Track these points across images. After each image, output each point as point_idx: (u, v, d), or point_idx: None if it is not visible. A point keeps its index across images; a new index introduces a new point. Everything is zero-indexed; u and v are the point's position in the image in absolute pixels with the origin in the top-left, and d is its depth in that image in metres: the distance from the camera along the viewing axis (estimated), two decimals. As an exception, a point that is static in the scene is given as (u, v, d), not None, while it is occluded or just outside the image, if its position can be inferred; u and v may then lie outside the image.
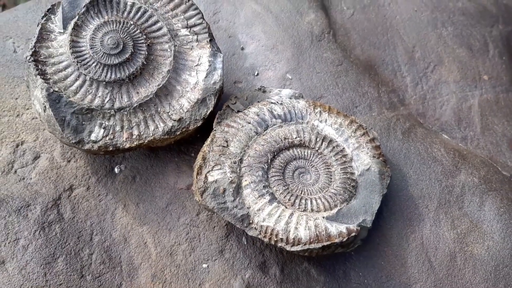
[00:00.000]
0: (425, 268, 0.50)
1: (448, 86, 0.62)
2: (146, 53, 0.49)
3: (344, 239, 0.45)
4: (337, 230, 0.45)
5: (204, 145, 0.49)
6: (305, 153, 0.49)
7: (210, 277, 0.49)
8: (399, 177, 0.53)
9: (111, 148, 0.48)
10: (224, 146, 0.48)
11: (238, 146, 0.49)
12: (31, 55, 0.47)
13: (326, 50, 0.60)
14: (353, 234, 0.45)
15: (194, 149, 0.54)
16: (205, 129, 0.53)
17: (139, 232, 0.50)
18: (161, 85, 0.49)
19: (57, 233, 0.48)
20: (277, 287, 0.48)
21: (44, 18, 0.49)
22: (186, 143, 0.54)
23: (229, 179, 0.47)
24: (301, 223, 0.45)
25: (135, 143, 0.48)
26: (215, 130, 0.50)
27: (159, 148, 0.53)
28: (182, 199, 0.52)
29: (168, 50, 0.50)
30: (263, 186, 0.47)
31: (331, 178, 0.48)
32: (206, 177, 0.47)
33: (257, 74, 0.59)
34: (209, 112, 0.50)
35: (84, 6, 0.49)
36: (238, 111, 0.51)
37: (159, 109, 0.49)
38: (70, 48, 0.48)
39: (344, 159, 0.49)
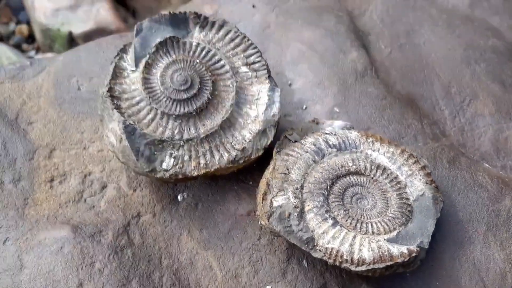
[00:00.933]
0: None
1: (484, 118, 0.66)
2: (211, 88, 0.53)
3: (406, 259, 0.47)
4: (399, 251, 0.48)
5: (266, 172, 0.53)
6: (361, 180, 0.52)
7: (274, 299, 0.51)
8: (448, 202, 0.56)
9: (180, 176, 0.51)
10: (286, 174, 0.52)
11: (299, 174, 0.52)
12: (108, 91, 0.51)
13: (370, 85, 0.64)
14: (414, 254, 0.48)
15: (251, 178, 0.57)
16: (261, 160, 0.56)
17: (204, 256, 0.53)
18: (225, 118, 0.53)
19: (129, 257, 0.51)
20: (338, 308, 0.51)
21: (117, 57, 0.53)
22: (244, 173, 0.57)
23: (293, 204, 0.50)
24: (364, 245, 0.48)
25: (202, 171, 0.51)
26: (275, 159, 0.53)
27: (219, 177, 0.56)
28: (243, 224, 0.55)
29: (231, 85, 0.54)
30: (325, 211, 0.50)
31: (387, 204, 0.51)
32: (271, 202, 0.50)
33: (306, 108, 0.63)
34: (269, 142, 0.53)
35: (154, 46, 0.53)
36: (295, 141, 0.55)
37: (223, 140, 0.52)
38: (142, 85, 0.52)
39: (399, 185, 0.52)
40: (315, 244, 0.49)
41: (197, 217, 0.55)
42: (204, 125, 0.52)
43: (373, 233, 0.49)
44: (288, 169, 0.52)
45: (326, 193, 0.51)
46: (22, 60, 1.24)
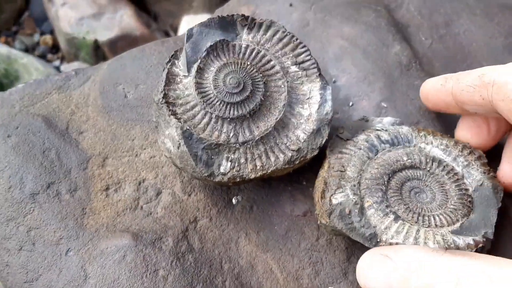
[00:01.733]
0: (547, 281, 0.51)
1: (532, 106, 0.64)
2: (263, 90, 0.53)
3: (473, 251, 0.47)
4: (465, 242, 0.47)
5: (321, 171, 0.52)
6: (418, 174, 0.52)
7: (339, 299, 0.50)
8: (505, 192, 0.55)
9: (238, 179, 0.51)
10: (342, 171, 0.51)
11: (354, 171, 0.51)
12: (163, 97, 0.51)
13: (416, 78, 0.64)
14: (480, 245, 0.47)
15: (305, 178, 0.57)
16: (313, 160, 0.56)
17: (263, 259, 0.52)
18: (278, 119, 0.52)
19: (191, 262, 0.51)
20: (404, 306, 0.50)
21: (169, 63, 0.53)
22: (297, 173, 0.57)
23: (352, 200, 0.49)
24: (429, 238, 0.47)
25: (259, 173, 0.51)
26: (329, 158, 0.53)
27: (272, 179, 0.56)
28: (300, 225, 0.54)
29: (282, 86, 0.53)
30: (386, 206, 0.49)
31: (447, 195, 0.51)
32: (330, 200, 0.50)
33: (352, 105, 0.62)
34: (324, 141, 0.53)
35: (205, 50, 0.53)
36: (347, 139, 0.54)
37: (278, 141, 0.52)
38: (195, 89, 0.52)
39: (456, 176, 0.52)
40: (378, 240, 0.48)
41: (253, 219, 0.55)
42: (258, 127, 0.52)
43: (436, 225, 0.49)
44: (343, 167, 0.52)
45: (384, 188, 0.50)
46: (49, 69, 1.25)
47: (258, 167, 0.51)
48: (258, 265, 0.52)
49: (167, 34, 1.38)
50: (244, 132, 0.52)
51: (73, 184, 0.55)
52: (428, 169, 0.52)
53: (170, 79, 0.53)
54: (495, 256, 0.41)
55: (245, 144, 0.52)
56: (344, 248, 0.53)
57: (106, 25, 1.30)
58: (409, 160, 0.52)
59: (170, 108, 0.51)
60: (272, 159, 0.52)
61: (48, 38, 1.45)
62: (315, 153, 0.53)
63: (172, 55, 0.53)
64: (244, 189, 0.56)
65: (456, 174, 0.52)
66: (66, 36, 1.35)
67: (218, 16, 0.54)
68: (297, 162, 0.52)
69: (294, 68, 0.55)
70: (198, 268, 0.51)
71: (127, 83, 0.63)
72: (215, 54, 0.53)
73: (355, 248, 0.53)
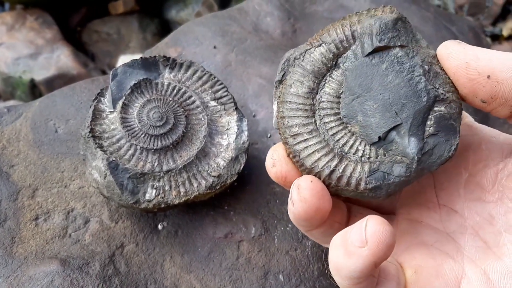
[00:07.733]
0: None
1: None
2: (185, 122, 0.58)
3: None
4: None
5: None
6: None
7: (256, 313, 0.55)
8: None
9: (163, 205, 0.55)
10: None
11: None
12: (89, 132, 0.55)
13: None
14: None
15: (226, 203, 0.62)
16: (235, 186, 0.61)
17: (187, 279, 0.56)
18: (199, 148, 0.58)
19: (117, 285, 0.54)
20: (315, 315, 0.55)
21: (96, 101, 0.58)
22: (219, 199, 0.62)
23: None
24: None
25: (183, 199, 0.56)
26: None
27: (196, 205, 0.61)
28: (222, 246, 0.59)
29: (202, 119, 0.59)
30: None
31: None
32: None
33: (270, 136, 0.69)
34: (241, 167, 0.58)
35: (129, 88, 0.58)
36: None
37: (200, 169, 0.57)
38: (121, 124, 0.56)
39: None
40: None
41: (178, 243, 0.59)
42: (181, 156, 0.57)
43: None
44: None
45: None
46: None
47: (182, 193, 0.56)
48: (182, 285, 0.56)
49: (104, 73, 1.41)
50: (168, 161, 0.57)
51: (2, 215, 0.57)
52: None
53: (97, 115, 0.57)
54: None
55: (169, 172, 0.56)
56: (261, 266, 0.58)
57: (43, 65, 1.32)
58: None
59: (97, 141, 0.55)
60: (195, 185, 0.57)
61: (-17, 78, 1.45)
62: (234, 178, 0.58)
63: (98, 93, 0.58)
64: (169, 215, 0.61)
65: None
66: (2, 75, 1.36)
67: (141, 57, 0.60)
68: (218, 187, 0.57)
69: (213, 103, 0.61)
70: (124, 290, 0.54)
71: (57, 119, 0.66)
72: (139, 92, 0.58)
73: (271, 265, 0.58)
